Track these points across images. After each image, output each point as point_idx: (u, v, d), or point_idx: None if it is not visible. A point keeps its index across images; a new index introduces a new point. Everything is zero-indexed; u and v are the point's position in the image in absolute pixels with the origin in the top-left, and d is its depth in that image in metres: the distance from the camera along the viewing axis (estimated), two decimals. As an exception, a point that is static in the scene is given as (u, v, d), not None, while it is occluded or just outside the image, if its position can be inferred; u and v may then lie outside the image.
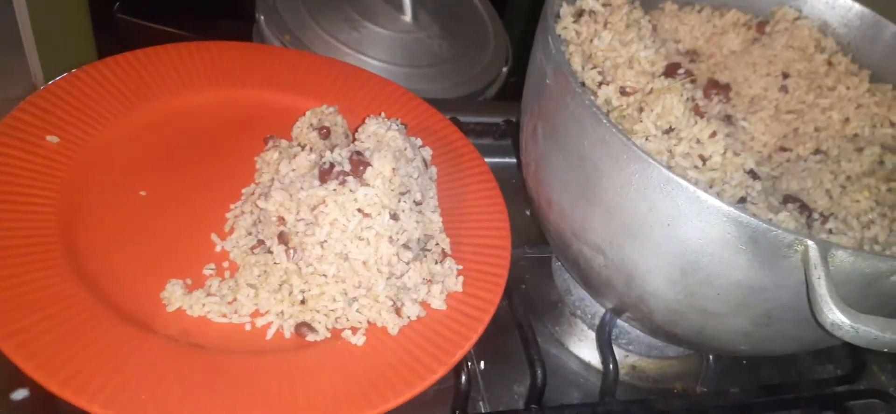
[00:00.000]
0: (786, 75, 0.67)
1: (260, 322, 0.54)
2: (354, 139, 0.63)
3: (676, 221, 0.46)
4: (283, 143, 0.67)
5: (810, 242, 0.43)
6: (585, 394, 0.65)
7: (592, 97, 0.54)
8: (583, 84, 0.56)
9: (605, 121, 0.47)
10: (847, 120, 0.64)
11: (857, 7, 0.69)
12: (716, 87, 0.66)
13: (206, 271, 0.57)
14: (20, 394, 0.49)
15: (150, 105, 0.68)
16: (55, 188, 0.57)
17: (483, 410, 0.60)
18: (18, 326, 0.46)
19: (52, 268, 0.51)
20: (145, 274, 0.55)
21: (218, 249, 0.59)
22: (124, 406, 0.44)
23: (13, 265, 0.50)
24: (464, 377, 0.56)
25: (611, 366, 0.60)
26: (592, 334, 0.67)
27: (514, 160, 0.82)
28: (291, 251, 0.55)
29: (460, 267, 0.60)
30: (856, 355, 0.71)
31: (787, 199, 0.57)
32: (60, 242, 0.53)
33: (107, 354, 0.47)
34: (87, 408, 0.43)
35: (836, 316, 0.41)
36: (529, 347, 0.59)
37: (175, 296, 0.53)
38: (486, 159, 0.72)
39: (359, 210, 0.55)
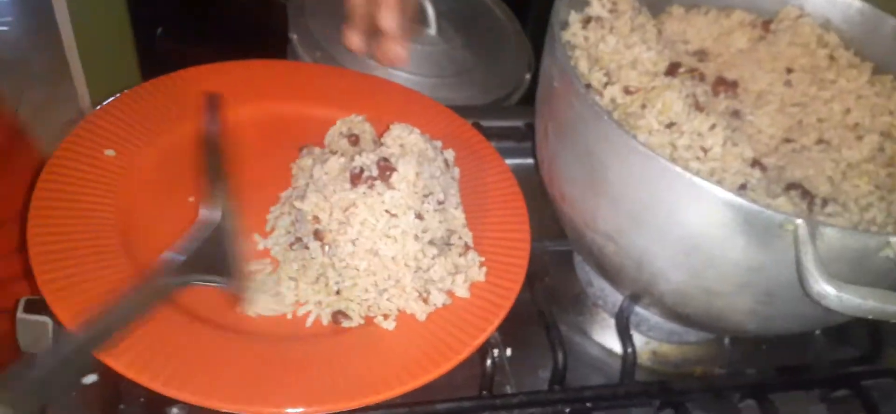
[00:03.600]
0: (790, 71, 0.70)
1: (300, 311, 0.60)
2: (381, 144, 0.68)
3: (677, 207, 0.50)
4: (317, 150, 0.72)
5: (799, 221, 0.46)
6: (607, 378, 0.68)
7: (597, 97, 0.58)
8: (588, 85, 0.60)
9: (606, 118, 0.51)
10: (848, 110, 0.67)
11: (857, 3, 0.72)
12: (723, 85, 0.69)
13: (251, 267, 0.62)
14: (90, 378, 0.55)
15: (195, 120, 0.73)
16: (114, 195, 0.63)
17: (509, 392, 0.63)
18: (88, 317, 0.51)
19: (115, 266, 0.57)
20: (195, 271, 0.60)
21: (260, 246, 0.64)
22: (182, 385, 0.49)
23: (82, 264, 0.56)
24: (489, 361, 0.60)
25: (629, 349, 0.64)
26: (614, 322, 0.70)
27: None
28: (326, 247, 0.60)
29: (483, 259, 0.64)
30: (873, 337, 0.72)
31: (790, 186, 0.60)
32: (122, 244, 0.59)
33: (165, 339, 0.52)
34: (150, 386, 0.49)
35: (820, 286, 0.45)
36: (550, 332, 0.63)
37: (223, 289, 0.59)
38: (509, 160, 0.76)
39: (386, 211, 0.60)
